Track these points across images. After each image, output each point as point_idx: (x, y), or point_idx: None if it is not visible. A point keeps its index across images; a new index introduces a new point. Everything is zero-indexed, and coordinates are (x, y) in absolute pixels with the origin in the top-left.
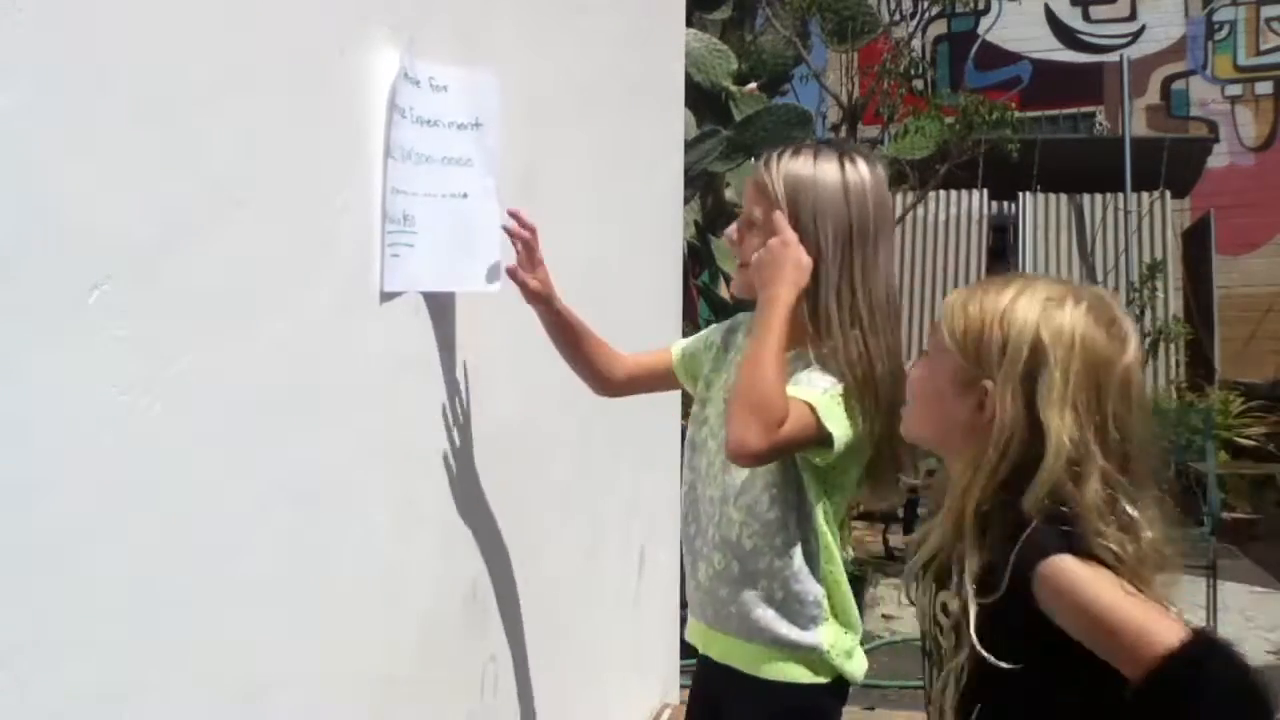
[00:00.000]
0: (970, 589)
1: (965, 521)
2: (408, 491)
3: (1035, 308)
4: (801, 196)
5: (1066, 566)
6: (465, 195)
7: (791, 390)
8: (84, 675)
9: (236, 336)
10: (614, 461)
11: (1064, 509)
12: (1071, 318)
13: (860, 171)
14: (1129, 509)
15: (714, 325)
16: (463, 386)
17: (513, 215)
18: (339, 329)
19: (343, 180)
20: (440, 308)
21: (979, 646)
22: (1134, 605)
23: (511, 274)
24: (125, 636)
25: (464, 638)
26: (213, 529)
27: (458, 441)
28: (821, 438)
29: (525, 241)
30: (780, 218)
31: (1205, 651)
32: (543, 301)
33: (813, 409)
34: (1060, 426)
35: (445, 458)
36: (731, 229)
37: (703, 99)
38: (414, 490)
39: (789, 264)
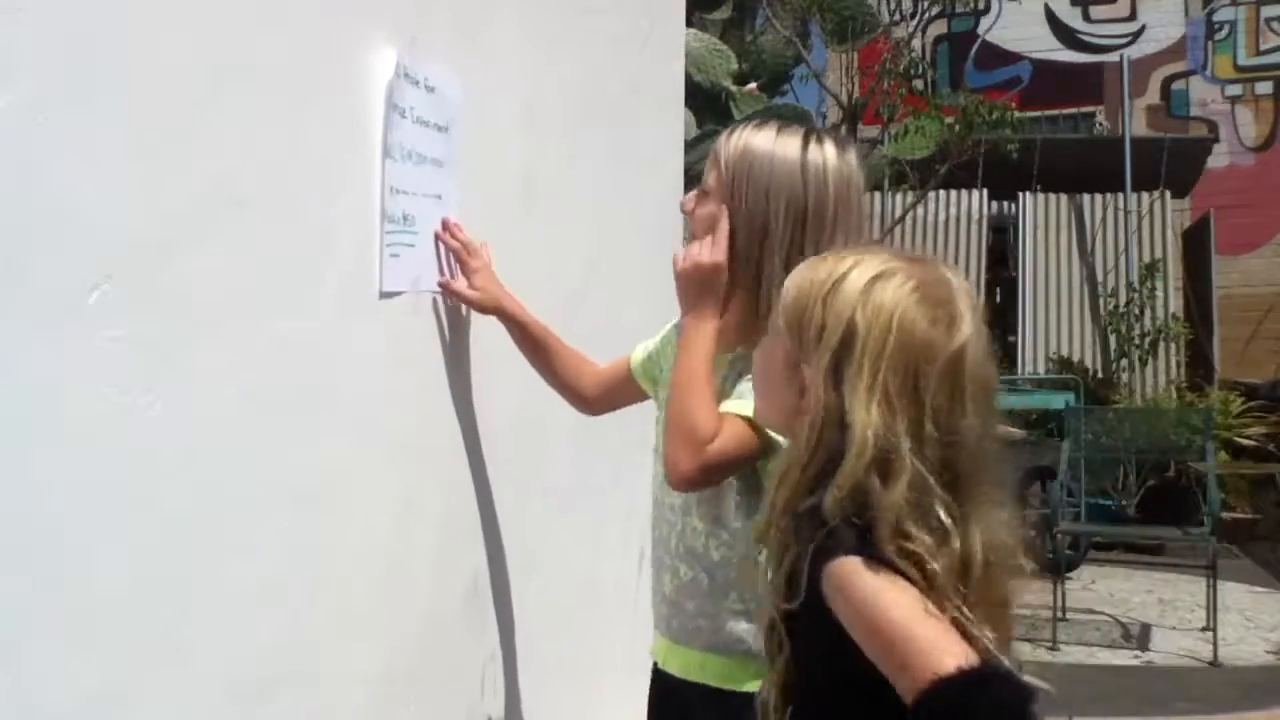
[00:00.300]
0: (777, 591)
1: (775, 517)
2: (407, 491)
3: (859, 285)
4: (755, 171)
5: (850, 570)
6: (440, 197)
7: (734, 405)
8: (84, 675)
9: (236, 336)
10: (614, 461)
11: (857, 517)
12: (893, 296)
13: (825, 153)
14: (942, 515)
15: (674, 321)
16: (462, 386)
17: (445, 226)
18: (339, 329)
19: (343, 180)
20: (440, 308)
21: (781, 653)
22: (917, 623)
23: (445, 286)
24: (125, 636)
25: (464, 637)
26: (213, 529)
27: (458, 441)
28: (767, 446)
29: (457, 252)
30: (723, 225)
31: (978, 683)
32: (490, 310)
33: (749, 421)
34: (865, 420)
35: (445, 457)
36: (688, 196)
37: (703, 99)
38: (414, 490)
39: (707, 287)
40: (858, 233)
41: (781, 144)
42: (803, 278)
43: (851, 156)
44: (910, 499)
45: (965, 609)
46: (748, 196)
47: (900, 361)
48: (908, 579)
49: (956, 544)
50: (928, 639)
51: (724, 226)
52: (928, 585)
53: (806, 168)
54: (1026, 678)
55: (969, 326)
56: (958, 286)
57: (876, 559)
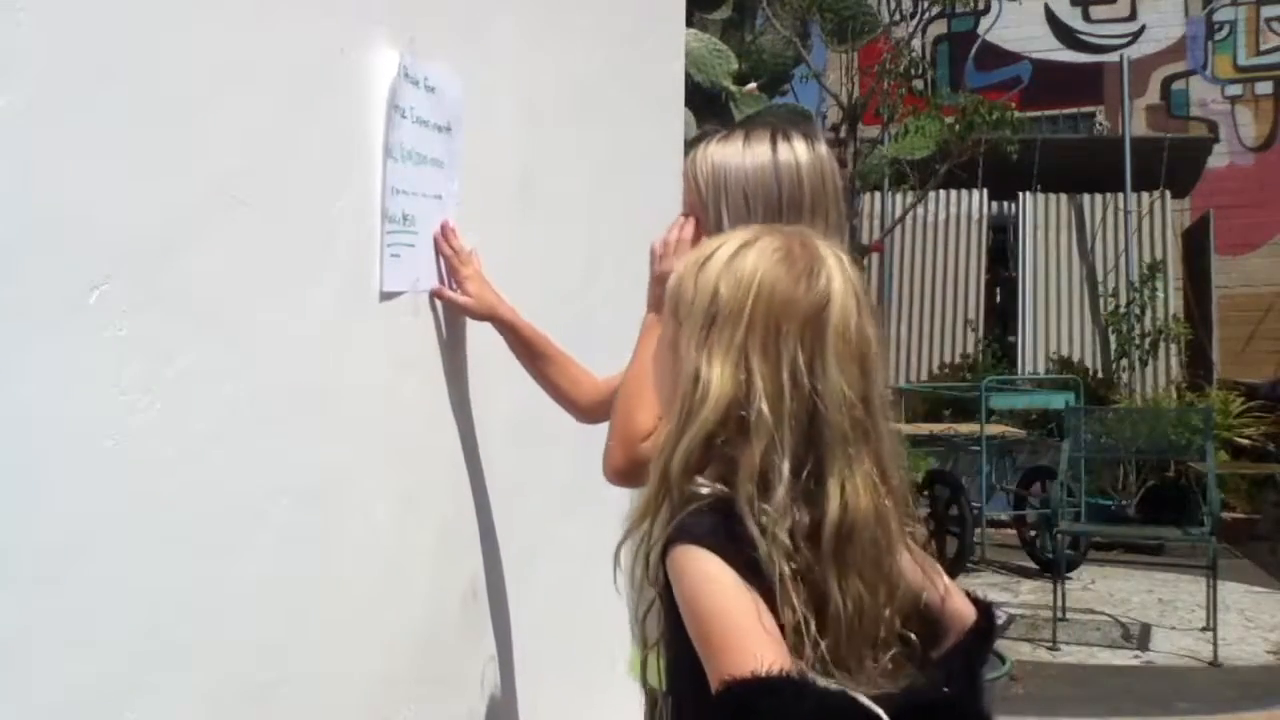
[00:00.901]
0: (639, 572)
1: (653, 493)
2: (407, 491)
3: (725, 257)
4: (731, 182)
5: (685, 557)
6: (440, 197)
7: None
8: (84, 675)
9: (236, 336)
10: None
11: (722, 483)
12: (755, 261)
13: (795, 150)
14: (785, 476)
15: None
16: (462, 386)
17: (444, 231)
18: (339, 329)
19: (343, 180)
20: (440, 308)
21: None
22: (731, 617)
23: (437, 294)
24: (125, 636)
25: (463, 637)
26: (213, 529)
27: (457, 441)
28: None
29: (449, 259)
30: (688, 232)
31: (767, 691)
32: (483, 317)
33: None
34: (718, 381)
35: (445, 457)
36: (675, 222)
37: (703, 99)
38: (414, 490)
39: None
40: (837, 218)
41: (751, 151)
42: (683, 261)
43: (821, 147)
44: (766, 460)
45: (810, 616)
46: (729, 208)
47: (760, 321)
48: (753, 569)
49: (804, 511)
50: (735, 637)
51: (689, 234)
52: (778, 575)
53: (780, 168)
54: (861, 697)
55: (834, 284)
56: (826, 250)
57: (715, 548)
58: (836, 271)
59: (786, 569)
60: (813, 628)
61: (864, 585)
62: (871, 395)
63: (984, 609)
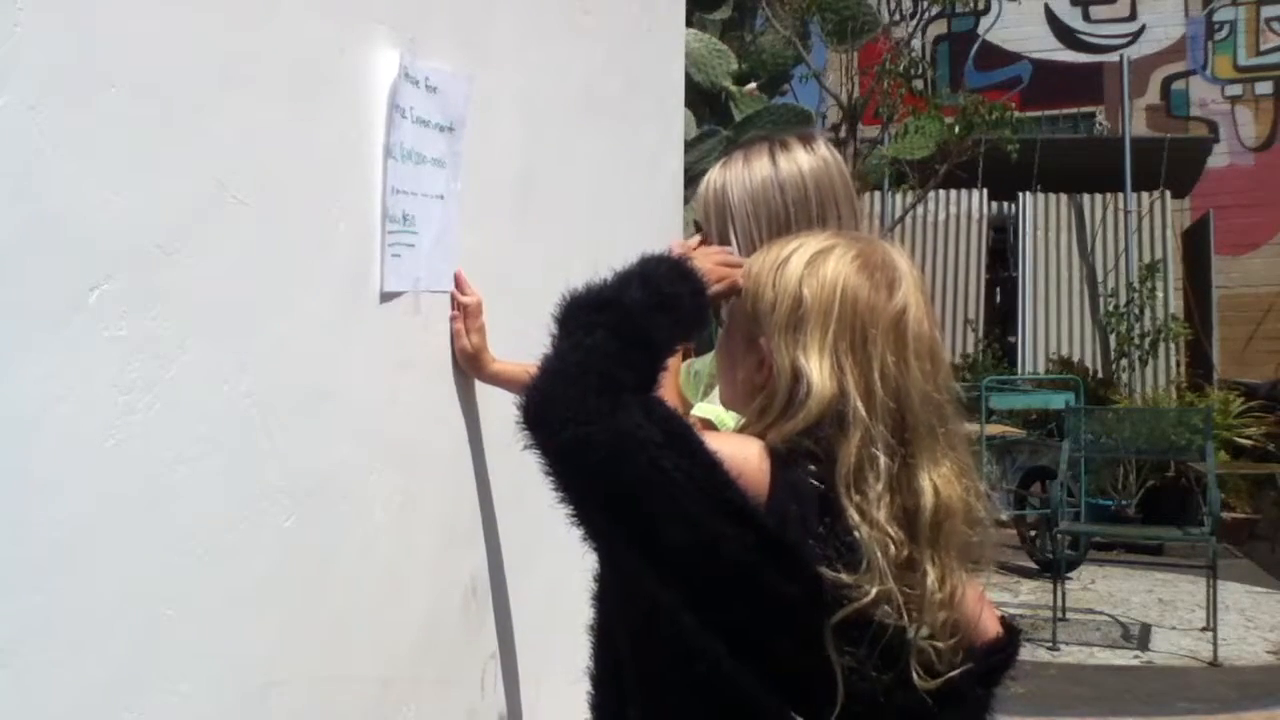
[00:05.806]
0: None
1: None
2: (407, 491)
3: (803, 260)
4: (735, 203)
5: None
6: (442, 197)
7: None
8: (84, 675)
9: (236, 336)
10: None
11: (811, 447)
12: (835, 267)
13: (795, 159)
14: (882, 464)
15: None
16: (462, 385)
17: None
18: (339, 329)
19: (343, 180)
20: (440, 308)
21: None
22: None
23: (454, 320)
24: (125, 636)
25: (464, 637)
26: (213, 529)
27: (457, 441)
28: None
29: (465, 308)
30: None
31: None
32: (475, 366)
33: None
34: (820, 381)
35: (445, 457)
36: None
37: (703, 99)
38: (414, 489)
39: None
40: (850, 216)
41: (750, 169)
42: (754, 262)
43: (821, 148)
44: (863, 452)
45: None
46: (736, 230)
47: (848, 325)
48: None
49: (901, 493)
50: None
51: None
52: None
53: (783, 181)
54: None
55: (909, 292)
56: (896, 256)
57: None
58: (908, 278)
59: (882, 550)
60: (899, 599)
61: (951, 562)
62: (940, 384)
63: (1010, 629)
